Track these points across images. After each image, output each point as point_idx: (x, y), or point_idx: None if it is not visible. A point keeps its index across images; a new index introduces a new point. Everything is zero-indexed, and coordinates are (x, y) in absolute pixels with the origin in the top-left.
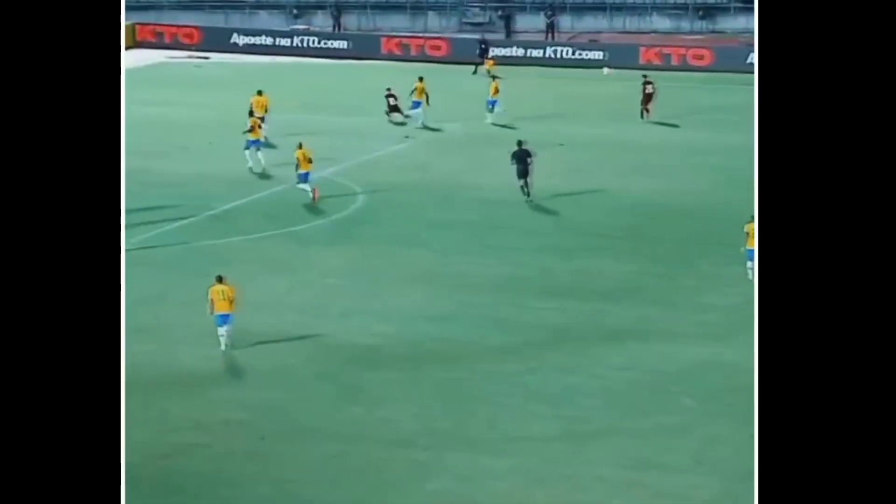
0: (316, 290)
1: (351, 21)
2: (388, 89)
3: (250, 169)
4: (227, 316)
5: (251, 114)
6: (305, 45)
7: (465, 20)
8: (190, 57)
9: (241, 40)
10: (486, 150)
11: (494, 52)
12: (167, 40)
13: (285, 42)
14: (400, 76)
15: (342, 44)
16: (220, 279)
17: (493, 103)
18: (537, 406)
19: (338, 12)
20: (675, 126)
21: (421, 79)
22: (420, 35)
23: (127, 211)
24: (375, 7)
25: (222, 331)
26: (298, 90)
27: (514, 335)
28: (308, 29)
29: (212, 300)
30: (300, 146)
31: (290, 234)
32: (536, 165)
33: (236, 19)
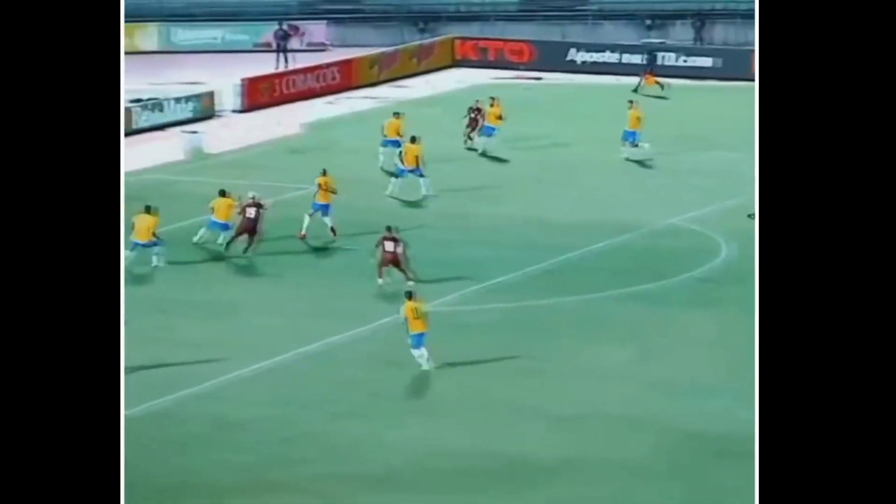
0: (667, 364)
1: (717, 33)
2: (477, 101)
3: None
4: (423, 335)
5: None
6: (661, 62)
7: None
8: (518, 78)
9: (581, 57)
10: None
11: None
12: (491, 58)
13: (635, 59)
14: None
15: (707, 61)
16: (409, 295)
17: (633, 136)
18: None
19: (700, 23)
20: None
21: (494, 99)
22: None
23: (438, 262)
24: (747, 16)
25: (420, 352)
26: (651, 117)
27: None
28: (664, 43)
29: (406, 320)
30: (324, 172)
31: (636, 294)
32: None
33: (576, 31)
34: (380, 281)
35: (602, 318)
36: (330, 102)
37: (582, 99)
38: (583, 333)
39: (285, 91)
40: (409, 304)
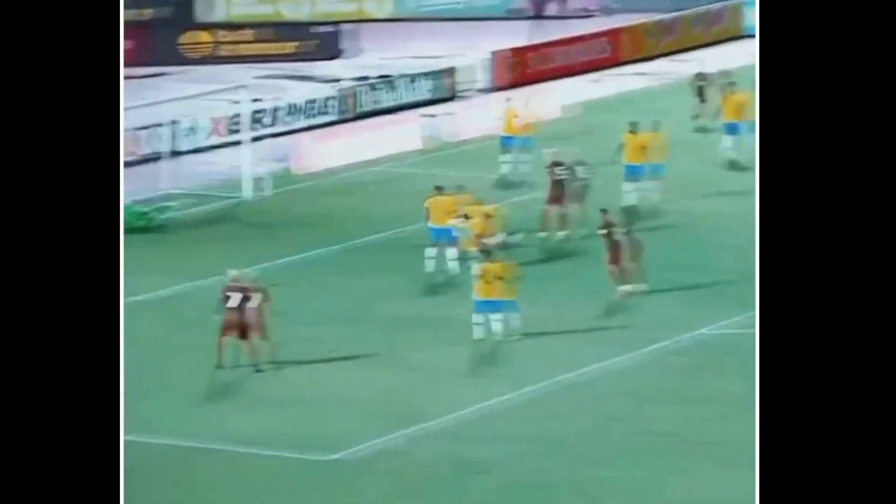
0: None
1: None
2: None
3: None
4: (496, 303)
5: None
6: None
7: None
8: None
9: None
10: None
11: None
12: None
13: None
14: None
15: None
16: (488, 255)
17: (735, 128)
18: None
19: None
20: None
21: (732, 84)
22: None
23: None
24: None
25: (479, 318)
26: None
27: None
28: None
29: (478, 279)
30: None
31: None
32: None
33: None
34: (628, 288)
35: None
36: (595, 80)
37: None
38: None
39: (541, 67)
40: (486, 264)
